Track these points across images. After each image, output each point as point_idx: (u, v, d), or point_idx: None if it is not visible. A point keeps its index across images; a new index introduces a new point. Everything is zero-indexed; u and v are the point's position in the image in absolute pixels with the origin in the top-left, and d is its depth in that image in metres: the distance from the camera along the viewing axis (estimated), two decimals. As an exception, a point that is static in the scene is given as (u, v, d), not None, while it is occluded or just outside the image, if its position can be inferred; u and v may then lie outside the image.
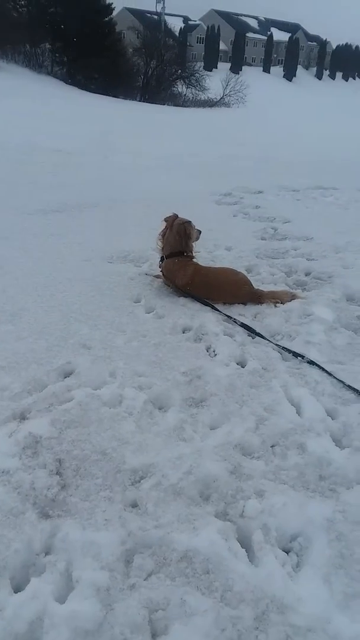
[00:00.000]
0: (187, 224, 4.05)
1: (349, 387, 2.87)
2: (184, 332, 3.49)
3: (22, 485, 2.08)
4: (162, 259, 4.12)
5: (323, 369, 3.03)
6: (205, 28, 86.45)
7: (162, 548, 1.87)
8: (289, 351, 3.24)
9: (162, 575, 1.78)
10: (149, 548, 1.87)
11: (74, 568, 1.76)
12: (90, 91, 29.39)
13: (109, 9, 34.55)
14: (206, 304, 3.83)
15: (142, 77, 36.92)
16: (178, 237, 4.02)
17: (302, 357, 3.16)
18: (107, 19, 34.26)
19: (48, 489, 2.08)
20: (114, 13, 36.37)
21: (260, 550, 1.90)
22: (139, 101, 33.25)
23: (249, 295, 3.94)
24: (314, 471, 2.28)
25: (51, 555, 1.82)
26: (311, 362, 3.10)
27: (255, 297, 3.94)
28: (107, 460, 2.27)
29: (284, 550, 1.94)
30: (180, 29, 75.66)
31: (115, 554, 1.82)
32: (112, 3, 34.70)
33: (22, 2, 31.46)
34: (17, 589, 1.70)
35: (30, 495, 2.04)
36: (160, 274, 4.19)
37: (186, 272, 3.96)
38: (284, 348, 3.28)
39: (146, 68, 36.85)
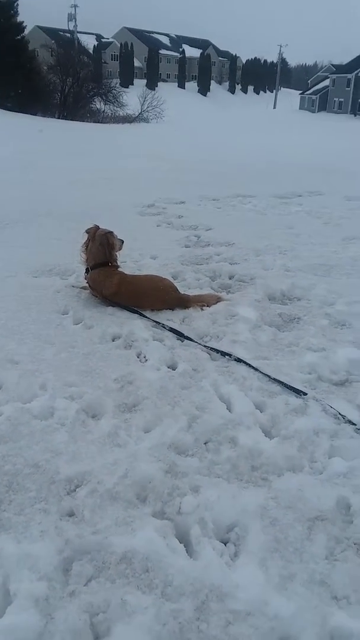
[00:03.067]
0: (109, 234, 4.06)
1: (275, 379, 2.99)
2: (113, 340, 3.49)
3: None
4: (87, 271, 4.11)
5: (250, 365, 3.14)
6: (119, 45, 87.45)
7: (100, 552, 1.87)
8: (217, 351, 3.32)
9: (102, 579, 1.77)
10: (88, 554, 1.86)
11: (11, 582, 1.72)
12: (6, 109, 28.80)
13: (20, 27, 34.03)
14: (134, 312, 3.85)
15: (59, 94, 36.54)
16: (101, 247, 4.02)
17: (230, 355, 3.25)
18: (19, 37, 33.73)
19: (-21, 506, 2.02)
20: (26, 31, 35.86)
21: (199, 544, 1.94)
22: (58, 118, 32.92)
23: (176, 300, 4.01)
24: (246, 462, 2.36)
25: (-14, 572, 1.77)
26: (238, 360, 3.20)
27: (182, 302, 4.01)
28: (40, 472, 2.23)
29: (221, 541, 1.99)
30: (94, 46, 75.96)
31: (53, 563, 1.80)
32: (23, 21, 34.19)
33: None
34: None
35: None
36: (87, 285, 4.17)
37: (112, 282, 3.96)
38: (212, 348, 3.36)
39: (62, 85, 36.49)
